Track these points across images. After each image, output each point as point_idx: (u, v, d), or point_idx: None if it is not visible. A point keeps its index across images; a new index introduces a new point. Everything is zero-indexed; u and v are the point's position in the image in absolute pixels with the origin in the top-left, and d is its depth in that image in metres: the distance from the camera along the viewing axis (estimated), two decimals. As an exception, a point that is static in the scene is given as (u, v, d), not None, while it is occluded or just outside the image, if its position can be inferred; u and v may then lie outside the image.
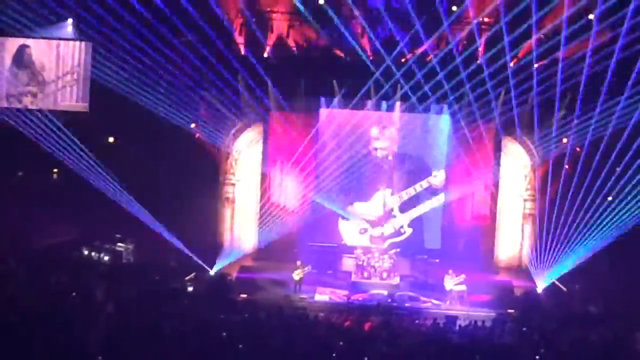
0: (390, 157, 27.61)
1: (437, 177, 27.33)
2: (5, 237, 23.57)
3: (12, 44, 25.47)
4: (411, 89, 25.65)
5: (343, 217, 27.68)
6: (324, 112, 27.53)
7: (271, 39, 26.80)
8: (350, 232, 27.68)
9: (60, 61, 25.66)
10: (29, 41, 25.44)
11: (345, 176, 27.51)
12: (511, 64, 25.46)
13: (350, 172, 27.49)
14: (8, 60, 25.55)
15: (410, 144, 27.60)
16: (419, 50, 25.91)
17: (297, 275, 24.54)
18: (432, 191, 27.48)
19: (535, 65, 25.30)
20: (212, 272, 25.33)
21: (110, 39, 24.38)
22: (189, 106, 26.44)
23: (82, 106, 25.64)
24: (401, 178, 27.63)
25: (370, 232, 27.45)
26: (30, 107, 25.20)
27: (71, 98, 25.77)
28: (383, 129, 27.46)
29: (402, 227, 27.44)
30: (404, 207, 27.52)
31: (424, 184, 27.33)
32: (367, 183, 27.62)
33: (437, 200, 27.48)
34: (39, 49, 25.46)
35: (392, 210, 27.52)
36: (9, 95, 25.52)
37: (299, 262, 24.82)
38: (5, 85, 25.51)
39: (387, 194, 27.50)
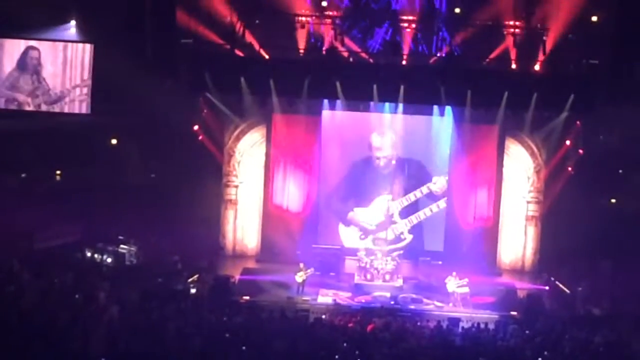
0: (393, 162, 27.47)
1: (437, 184, 27.17)
2: (8, 239, 23.58)
3: (14, 45, 25.55)
4: (414, 91, 25.53)
5: (344, 223, 27.66)
6: (326, 114, 27.50)
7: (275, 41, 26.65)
8: (350, 237, 27.63)
9: (64, 64, 25.74)
10: (33, 43, 25.54)
11: (346, 180, 27.51)
12: (513, 66, 25.52)
13: (352, 177, 27.50)
14: (11, 63, 25.63)
15: (412, 147, 27.39)
16: (422, 52, 26.02)
17: (299, 277, 24.48)
18: (432, 197, 27.40)
19: (537, 67, 25.36)
20: (215, 274, 25.28)
21: (112, 39, 24.46)
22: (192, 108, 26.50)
23: (85, 108, 25.78)
24: (402, 183, 27.43)
25: (372, 236, 27.39)
26: (33, 109, 25.32)
27: (75, 101, 25.87)
28: (384, 134, 27.34)
29: (402, 233, 27.35)
30: (405, 213, 27.45)
31: (424, 189, 27.28)
32: (368, 188, 27.55)
33: (437, 207, 27.36)
34: (44, 52, 25.56)
35: (392, 215, 27.47)
36: (11, 99, 25.62)
37: (301, 265, 24.76)
38: (7, 88, 25.59)
39: (387, 200, 27.41)
